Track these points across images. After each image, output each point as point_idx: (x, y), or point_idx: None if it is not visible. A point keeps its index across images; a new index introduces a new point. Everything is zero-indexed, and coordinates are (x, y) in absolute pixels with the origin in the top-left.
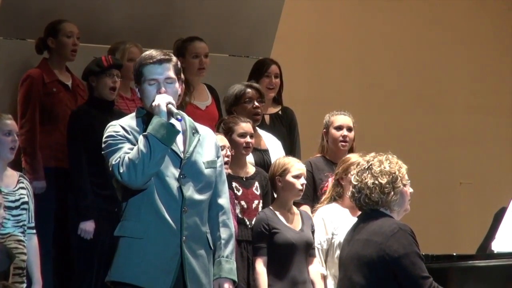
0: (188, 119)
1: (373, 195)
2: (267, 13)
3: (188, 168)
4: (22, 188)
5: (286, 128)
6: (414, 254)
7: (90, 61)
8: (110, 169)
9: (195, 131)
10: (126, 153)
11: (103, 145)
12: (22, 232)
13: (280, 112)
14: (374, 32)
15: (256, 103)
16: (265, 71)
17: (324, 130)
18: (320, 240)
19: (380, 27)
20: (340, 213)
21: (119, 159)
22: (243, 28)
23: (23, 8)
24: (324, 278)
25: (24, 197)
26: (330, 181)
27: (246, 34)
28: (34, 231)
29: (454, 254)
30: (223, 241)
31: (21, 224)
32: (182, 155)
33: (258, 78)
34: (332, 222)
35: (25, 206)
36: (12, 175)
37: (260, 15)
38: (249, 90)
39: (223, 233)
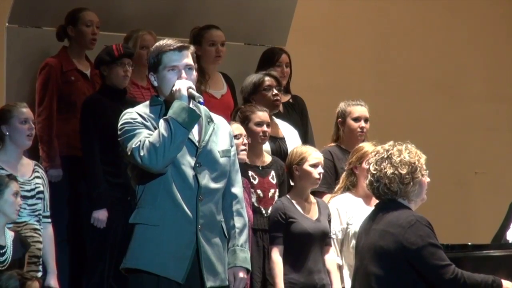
0: (203, 108)
1: (392, 185)
2: (283, 1)
3: (204, 157)
4: (37, 177)
5: (299, 115)
6: (432, 245)
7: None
8: (129, 153)
9: (210, 120)
10: (146, 137)
11: (119, 132)
12: (38, 221)
13: (291, 100)
14: (390, 21)
15: (275, 91)
16: (276, 61)
17: (340, 119)
18: (335, 230)
19: (396, 16)
20: (354, 202)
21: (139, 142)
22: (259, 16)
23: None
24: (340, 268)
25: (39, 187)
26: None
27: (262, 23)
28: (50, 220)
29: (469, 243)
30: (237, 230)
31: (36, 213)
32: (198, 144)
33: (269, 67)
34: (347, 212)
35: (41, 195)
36: (28, 164)
37: (276, 3)
38: (267, 78)
39: (237, 222)
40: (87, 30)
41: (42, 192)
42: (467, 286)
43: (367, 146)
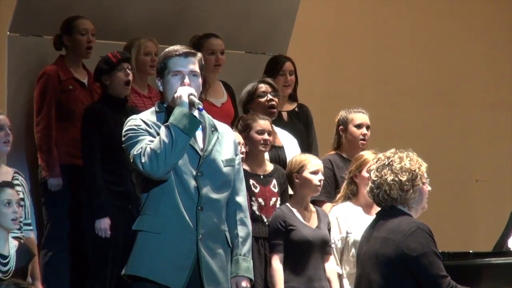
0: (207, 116)
1: (392, 191)
2: (284, 9)
3: (207, 166)
4: (16, 185)
5: (303, 125)
6: (432, 253)
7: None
8: (132, 160)
9: (214, 129)
10: (148, 144)
11: (123, 138)
12: (19, 229)
13: (296, 109)
14: (391, 28)
15: (270, 96)
16: (280, 69)
17: (341, 127)
18: (334, 239)
19: (397, 23)
20: (354, 211)
21: (141, 149)
22: (260, 24)
23: (39, 4)
24: (340, 277)
25: (19, 194)
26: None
27: (263, 31)
28: (31, 227)
29: (471, 251)
30: (240, 239)
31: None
32: (201, 153)
33: (273, 76)
34: (346, 221)
35: (21, 202)
36: (6, 172)
37: (277, 11)
38: (261, 85)
39: (241, 231)
40: (82, 39)
41: (22, 199)
42: None
43: (366, 154)
